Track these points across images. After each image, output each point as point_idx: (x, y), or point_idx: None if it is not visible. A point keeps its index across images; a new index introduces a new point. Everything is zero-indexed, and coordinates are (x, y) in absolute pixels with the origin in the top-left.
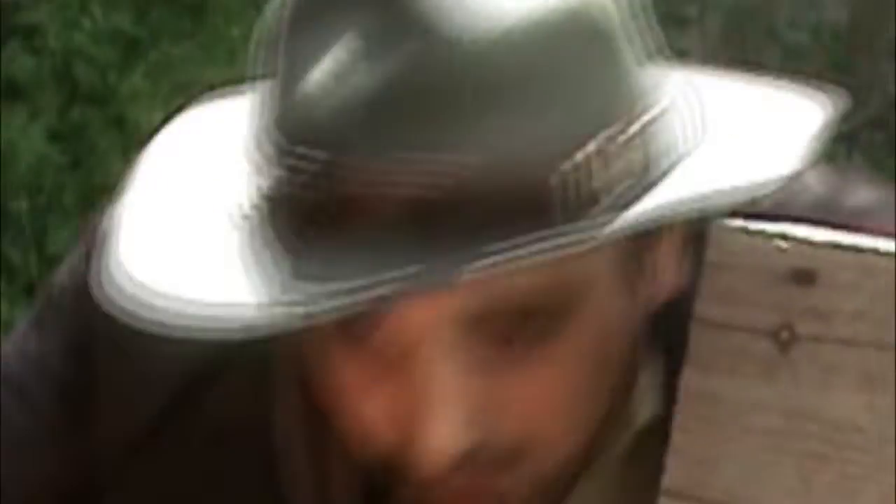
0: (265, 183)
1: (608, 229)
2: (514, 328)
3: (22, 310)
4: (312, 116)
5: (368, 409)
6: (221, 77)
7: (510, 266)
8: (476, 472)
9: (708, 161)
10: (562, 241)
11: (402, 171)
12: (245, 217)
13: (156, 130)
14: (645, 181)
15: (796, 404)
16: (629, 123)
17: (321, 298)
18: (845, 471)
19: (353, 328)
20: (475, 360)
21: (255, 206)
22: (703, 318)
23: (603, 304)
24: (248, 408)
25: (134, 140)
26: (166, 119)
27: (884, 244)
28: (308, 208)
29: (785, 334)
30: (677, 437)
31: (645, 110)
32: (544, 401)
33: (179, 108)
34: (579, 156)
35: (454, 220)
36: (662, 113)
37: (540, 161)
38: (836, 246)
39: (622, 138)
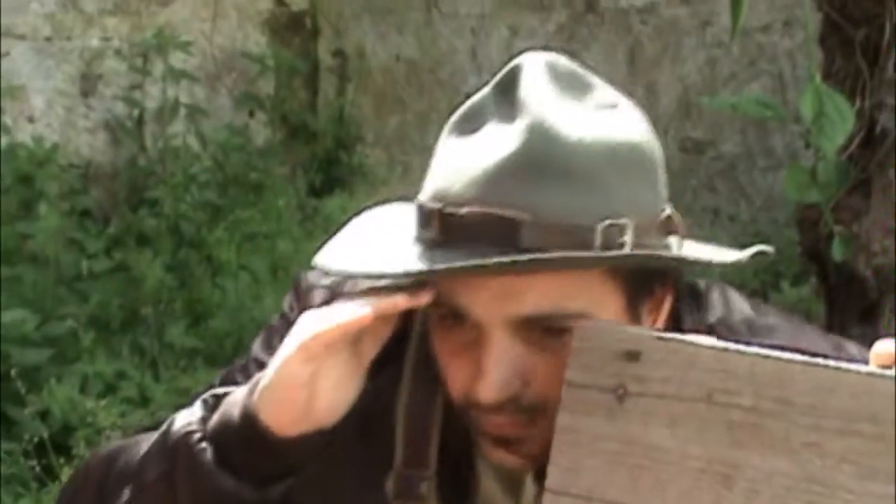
0: (421, 224)
1: (614, 254)
2: (550, 326)
3: (149, 380)
4: (450, 186)
5: (458, 365)
6: (273, 230)
7: (556, 264)
8: (513, 417)
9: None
10: (587, 255)
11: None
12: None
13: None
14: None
15: (628, 435)
16: (655, 217)
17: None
18: (659, 475)
19: (452, 321)
20: (522, 341)
21: (413, 235)
22: (570, 381)
23: None
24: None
25: (218, 271)
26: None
27: (691, 337)
28: (441, 234)
29: (620, 391)
30: (554, 455)
31: (664, 213)
32: (561, 379)
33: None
34: (619, 219)
35: (532, 242)
36: (669, 220)
37: (592, 215)
38: (656, 337)
39: (647, 223)
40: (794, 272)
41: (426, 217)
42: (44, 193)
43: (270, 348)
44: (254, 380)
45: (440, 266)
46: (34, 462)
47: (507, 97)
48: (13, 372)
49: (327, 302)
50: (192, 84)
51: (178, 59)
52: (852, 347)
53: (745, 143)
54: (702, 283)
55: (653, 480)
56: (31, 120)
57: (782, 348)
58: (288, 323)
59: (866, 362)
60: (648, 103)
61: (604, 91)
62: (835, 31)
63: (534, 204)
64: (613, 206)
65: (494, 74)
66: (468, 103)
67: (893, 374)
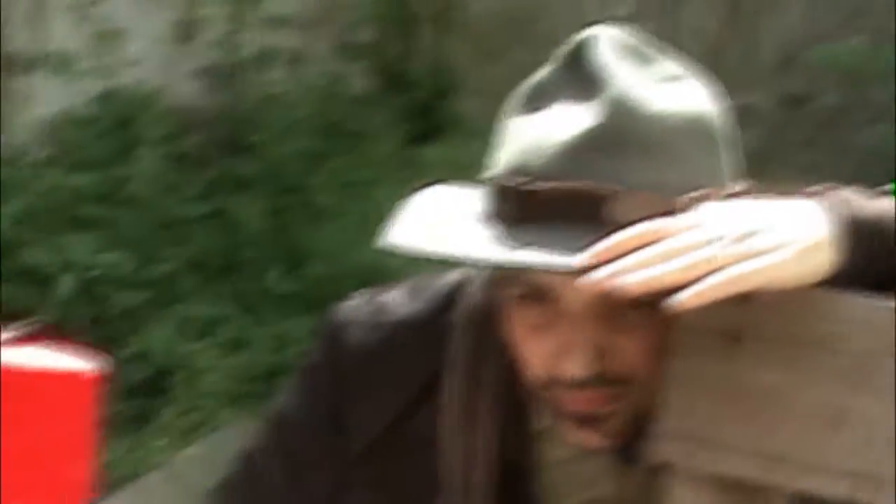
0: (498, 201)
1: None
2: (634, 302)
3: (248, 324)
4: (527, 162)
5: (539, 343)
6: (370, 178)
7: None
8: (597, 393)
9: None
10: None
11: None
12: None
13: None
14: None
15: (740, 378)
16: (732, 189)
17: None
18: (770, 419)
19: (532, 299)
20: (605, 315)
21: (486, 212)
22: (684, 325)
23: None
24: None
25: (316, 217)
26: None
27: None
28: (521, 211)
29: (734, 334)
30: (667, 399)
31: (741, 185)
32: (642, 352)
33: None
34: (701, 191)
35: (619, 215)
36: (747, 192)
37: (675, 187)
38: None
39: (723, 193)
40: None
41: (504, 193)
42: (142, 138)
43: (311, 408)
44: None
45: (548, 260)
46: (132, 403)
47: (577, 72)
48: (111, 314)
49: (367, 338)
50: (291, 31)
51: (277, 6)
52: None
53: (844, 97)
54: None
55: (764, 423)
56: (131, 65)
57: None
58: (316, 377)
59: None
60: (747, 57)
61: (668, 63)
62: None
63: (618, 177)
64: (695, 179)
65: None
66: (533, 80)
67: None
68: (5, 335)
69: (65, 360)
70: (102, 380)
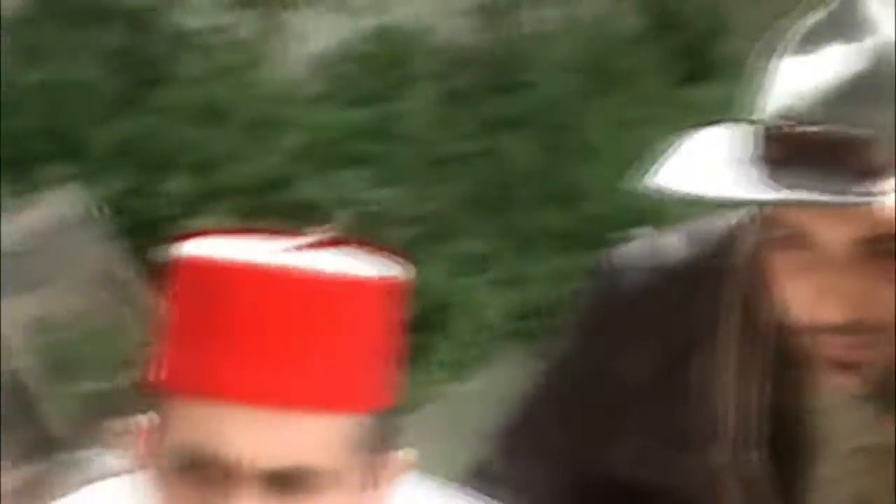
0: (763, 143)
1: None
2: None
3: (523, 261)
4: (794, 105)
5: (801, 286)
6: (642, 117)
7: None
8: (853, 339)
9: None
10: None
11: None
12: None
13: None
14: None
15: None
16: None
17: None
18: None
19: (794, 242)
20: (866, 265)
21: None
22: None
23: None
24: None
25: (589, 154)
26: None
27: None
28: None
29: None
30: None
31: None
32: None
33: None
34: None
35: (883, 162)
36: None
37: None
38: None
39: None
40: None
41: (769, 136)
42: (415, 74)
43: (585, 351)
44: None
45: (807, 194)
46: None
47: (847, 17)
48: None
49: (643, 282)
50: None
51: None
52: None
53: None
54: None
55: None
56: (404, 1)
57: None
58: (592, 319)
59: None
60: None
61: None
62: None
63: (878, 124)
64: None
65: None
66: (805, 23)
67: None
68: (307, 240)
69: (370, 264)
70: (406, 286)
